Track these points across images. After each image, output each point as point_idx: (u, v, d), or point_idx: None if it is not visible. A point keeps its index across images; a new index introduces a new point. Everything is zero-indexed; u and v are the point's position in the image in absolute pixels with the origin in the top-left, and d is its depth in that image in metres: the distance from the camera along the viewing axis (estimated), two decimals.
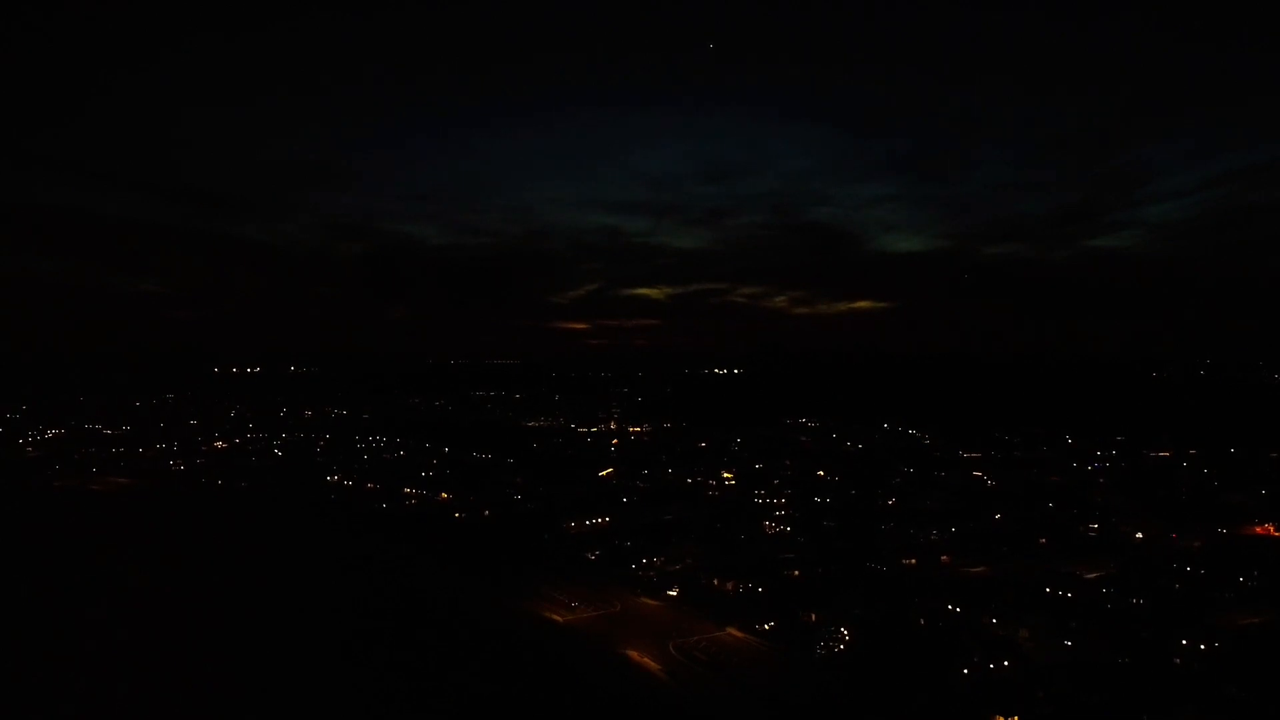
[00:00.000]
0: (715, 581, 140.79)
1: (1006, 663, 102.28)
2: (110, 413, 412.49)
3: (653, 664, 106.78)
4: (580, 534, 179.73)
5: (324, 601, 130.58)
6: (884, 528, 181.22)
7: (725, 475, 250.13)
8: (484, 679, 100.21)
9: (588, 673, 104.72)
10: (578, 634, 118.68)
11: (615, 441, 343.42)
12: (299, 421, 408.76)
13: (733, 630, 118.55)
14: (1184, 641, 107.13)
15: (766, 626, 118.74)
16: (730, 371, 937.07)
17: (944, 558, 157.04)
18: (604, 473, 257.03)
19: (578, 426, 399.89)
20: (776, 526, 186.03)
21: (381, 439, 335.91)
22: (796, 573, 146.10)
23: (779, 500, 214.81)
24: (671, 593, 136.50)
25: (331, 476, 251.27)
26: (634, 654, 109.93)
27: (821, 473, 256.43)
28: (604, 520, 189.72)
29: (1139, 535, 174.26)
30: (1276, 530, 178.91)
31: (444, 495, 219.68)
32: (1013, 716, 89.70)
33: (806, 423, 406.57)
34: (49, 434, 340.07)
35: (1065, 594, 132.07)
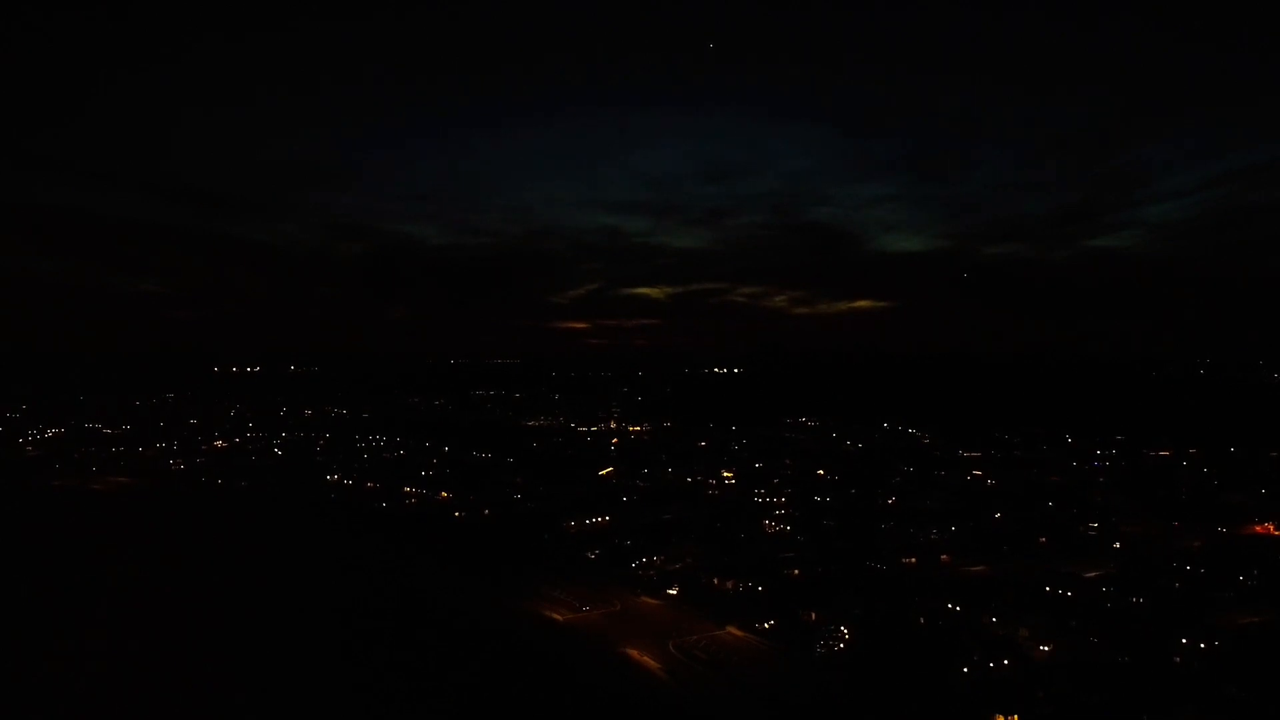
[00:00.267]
0: (715, 581, 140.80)
1: (1006, 663, 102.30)
2: (110, 413, 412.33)
3: (653, 663, 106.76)
4: (580, 533, 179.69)
5: (324, 601, 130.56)
6: (884, 527, 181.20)
7: (725, 475, 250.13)
8: (484, 679, 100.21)
9: (588, 672, 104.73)
10: (578, 633, 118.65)
11: (615, 441, 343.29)
12: (299, 421, 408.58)
13: (733, 629, 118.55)
14: (1184, 641, 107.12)
15: (766, 626, 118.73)
16: (730, 371, 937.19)
17: (944, 557, 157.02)
18: (604, 472, 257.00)
19: (578, 426, 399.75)
20: (776, 526, 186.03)
21: (381, 439, 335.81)
22: (796, 572, 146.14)
23: (779, 500, 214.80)
24: (671, 592, 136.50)
25: (331, 476, 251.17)
26: (634, 653, 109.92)
27: (821, 472, 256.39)
28: (604, 520, 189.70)
29: (1138, 535, 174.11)
30: (1276, 530, 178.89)
31: (444, 495, 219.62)
32: (1013, 716, 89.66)
33: (806, 423, 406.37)
34: (49, 434, 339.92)
35: (1065, 594, 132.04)
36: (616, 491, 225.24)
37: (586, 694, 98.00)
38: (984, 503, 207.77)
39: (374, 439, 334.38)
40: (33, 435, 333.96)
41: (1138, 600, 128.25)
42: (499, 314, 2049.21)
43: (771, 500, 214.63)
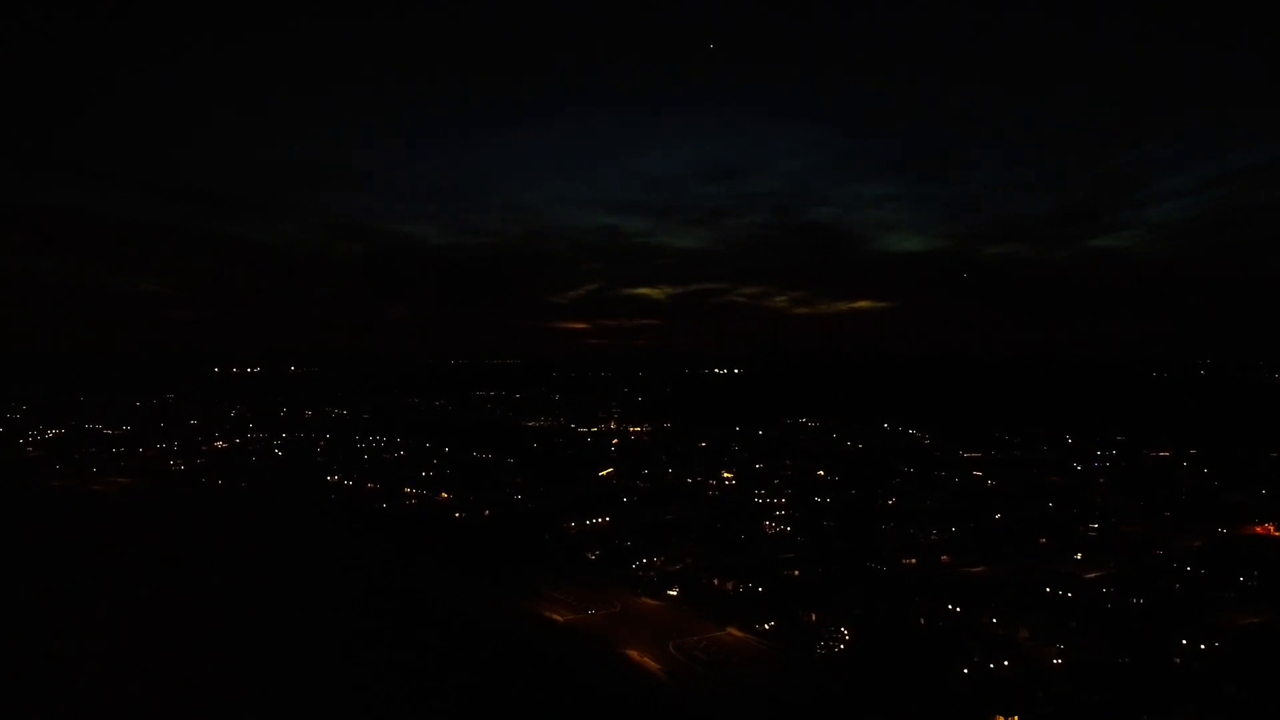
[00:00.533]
0: (715, 581, 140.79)
1: (1006, 663, 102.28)
2: (110, 413, 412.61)
3: (653, 664, 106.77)
4: (580, 534, 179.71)
5: (324, 601, 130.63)
6: (884, 528, 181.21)
7: (725, 475, 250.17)
8: (484, 679, 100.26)
9: (588, 673, 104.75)
10: (578, 634, 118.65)
11: (615, 441, 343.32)
12: (299, 421, 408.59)
13: (733, 630, 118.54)
14: (1184, 641, 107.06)
15: (766, 626, 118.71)
16: (730, 371, 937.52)
17: (944, 558, 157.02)
18: (604, 473, 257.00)
19: (578, 426, 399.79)
20: (776, 526, 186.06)
21: (381, 439, 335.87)
22: (796, 573, 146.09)
23: (779, 500, 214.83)
24: (671, 592, 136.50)
25: (331, 476, 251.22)
26: (634, 654, 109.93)
27: (821, 473, 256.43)
28: (604, 520, 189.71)
29: (1138, 535, 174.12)
30: (1276, 530, 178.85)
31: (444, 495, 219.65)
32: (1013, 716, 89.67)
33: (806, 423, 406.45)
34: (49, 434, 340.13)
35: (1065, 594, 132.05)
36: (617, 492, 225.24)
37: (586, 694, 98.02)
38: (984, 503, 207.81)
39: (374, 439, 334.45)
40: (33, 436, 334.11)
41: (1138, 600, 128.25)
42: (499, 314, 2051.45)
43: (772, 501, 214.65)
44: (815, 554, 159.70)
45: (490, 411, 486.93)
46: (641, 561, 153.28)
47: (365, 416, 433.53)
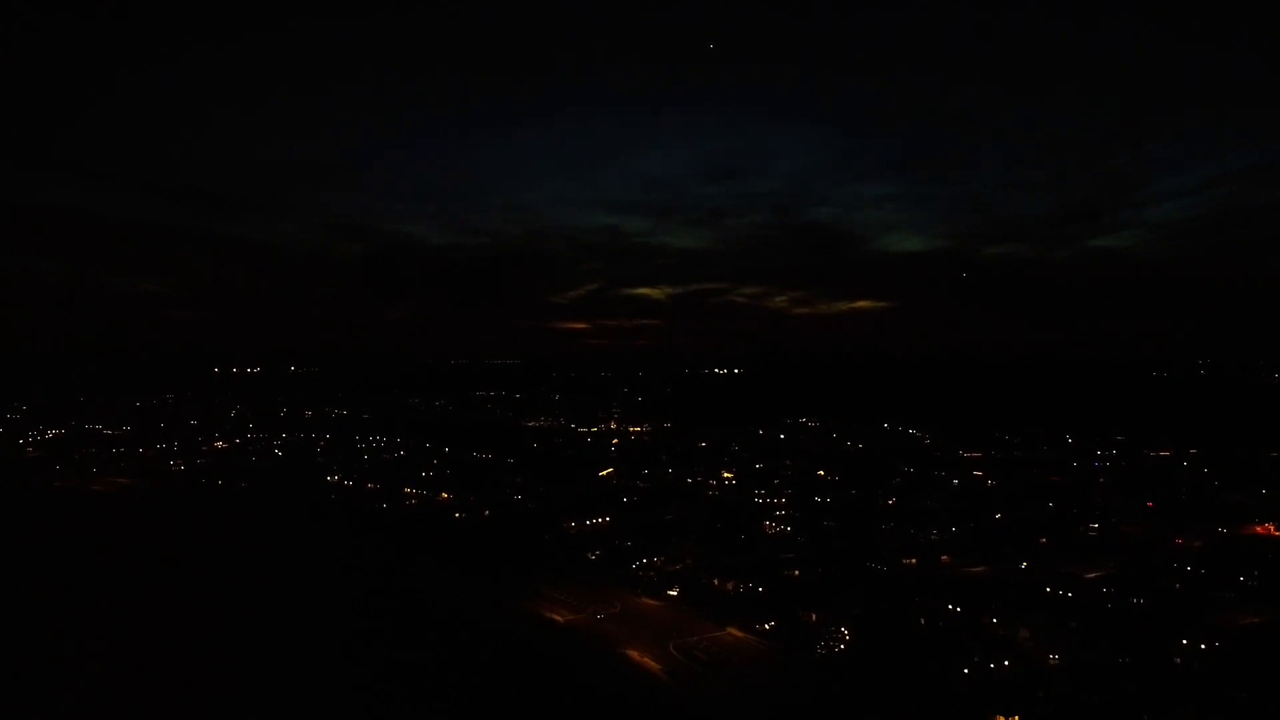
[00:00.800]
0: (715, 581, 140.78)
1: (1007, 663, 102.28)
2: (110, 413, 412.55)
3: (653, 664, 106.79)
4: (580, 534, 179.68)
5: (324, 601, 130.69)
6: (884, 528, 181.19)
7: (725, 475, 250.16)
8: (484, 679, 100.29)
9: (588, 673, 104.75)
10: (578, 634, 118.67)
11: (615, 441, 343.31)
12: (299, 421, 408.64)
13: (733, 630, 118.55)
14: (1184, 641, 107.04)
15: (767, 626, 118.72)
16: (730, 371, 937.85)
17: (944, 558, 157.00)
18: (604, 473, 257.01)
19: (578, 426, 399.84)
20: (776, 526, 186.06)
21: (381, 439, 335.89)
22: (796, 573, 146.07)
23: (779, 500, 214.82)
24: (672, 593, 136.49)
25: (331, 476, 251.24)
26: (634, 654, 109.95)
27: (821, 473, 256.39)
28: (604, 520, 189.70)
29: (1138, 535, 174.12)
30: (1276, 530, 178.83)
31: (444, 495, 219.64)
32: (1013, 716, 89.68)
33: (806, 423, 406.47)
34: (49, 434, 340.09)
35: (1065, 594, 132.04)
36: (617, 492, 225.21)
37: (586, 694, 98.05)
38: (984, 503, 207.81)
39: (374, 440, 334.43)
40: (33, 436, 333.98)
41: (1138, 600, 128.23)
42: (499, 314, 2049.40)
43: (772, 501, 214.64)
44: (815, 554, 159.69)
45: (490, 411, 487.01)
46: (641, 561, 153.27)
47: (365, 416, 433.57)
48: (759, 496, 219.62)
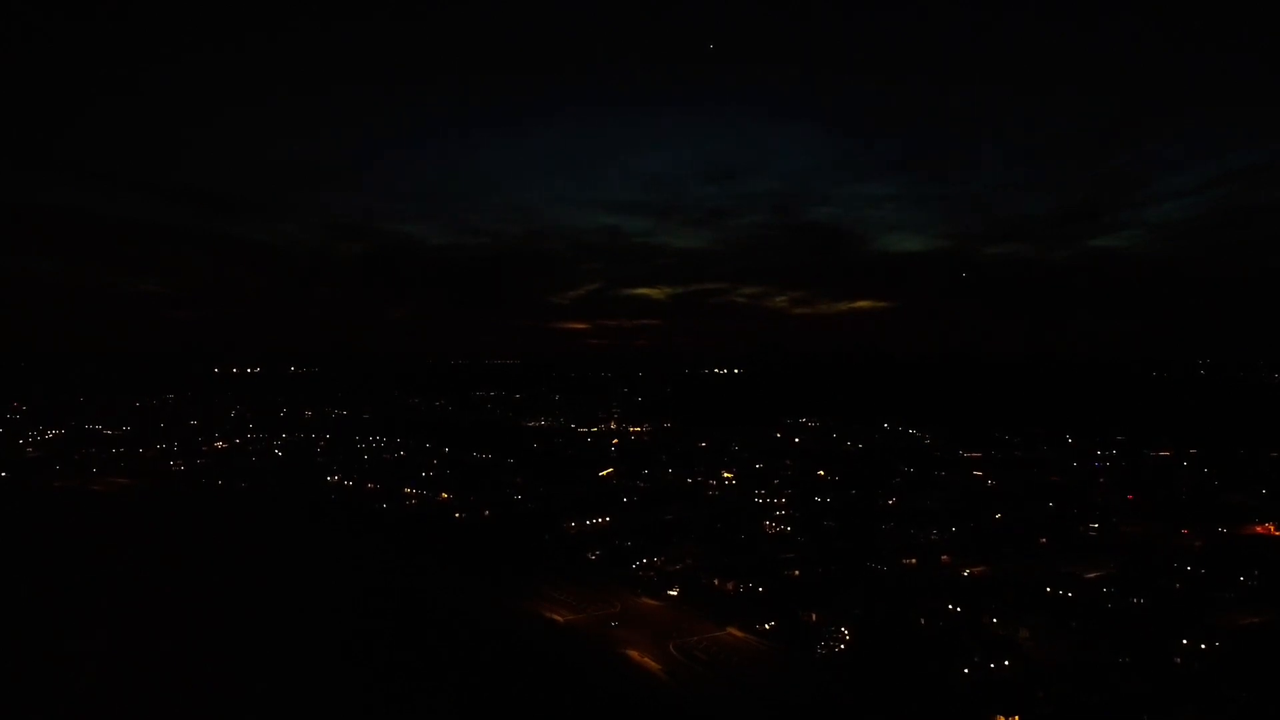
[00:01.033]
0: (715, 581, 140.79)
1: (1006, 663, 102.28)
2: (110, 413, 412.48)
3: (653, 664, 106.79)
4: (580, 534, 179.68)
5: (324, 601, 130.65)
6: (884, 528, 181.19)
7: (725, 475, 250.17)
8: (484, 679, 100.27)
9: (588, 673, 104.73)
10: (578, 634, 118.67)
11: (615, 441, 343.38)
12: (299, 421, 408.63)
13: (733, 630, 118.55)
14: (1184, 641, 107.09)
15: (767, 626, 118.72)
16: (730, 371, 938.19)
17: (944, 558, 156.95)
18: (604, 473, 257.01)
19: (578, 426, 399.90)
20: (776, 526, 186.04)
21: (381, 439, 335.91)
22: (796, 573, 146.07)
23: (779, 500, 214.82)
24: (672, 593, 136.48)
25: (331, 476, 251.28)
26: (634, 654, 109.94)
27: (821, 473, 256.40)
28: (604, 520, 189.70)
29: (1138, 535, 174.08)
30: (1276, 530, 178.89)
31: (444, 495, 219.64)
32: (1013, 716, 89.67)
33: (806, 423, 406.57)
34: (49, 434, 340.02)
35: (1065, 594, 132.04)
36: (617, 492, 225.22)
37: (587, 694, 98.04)
38: (984, 503, 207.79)
39: (374, 440, 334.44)
40: (33, 436, 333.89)
41: (1138, 600, 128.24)
42: (499, 314, 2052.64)
43: (772, 501, 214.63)
44: (815, 554, 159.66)
45: (490, 411, 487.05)
46: (641, 561, 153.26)
47: (365, 416, 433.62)
48: (759, 496, 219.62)
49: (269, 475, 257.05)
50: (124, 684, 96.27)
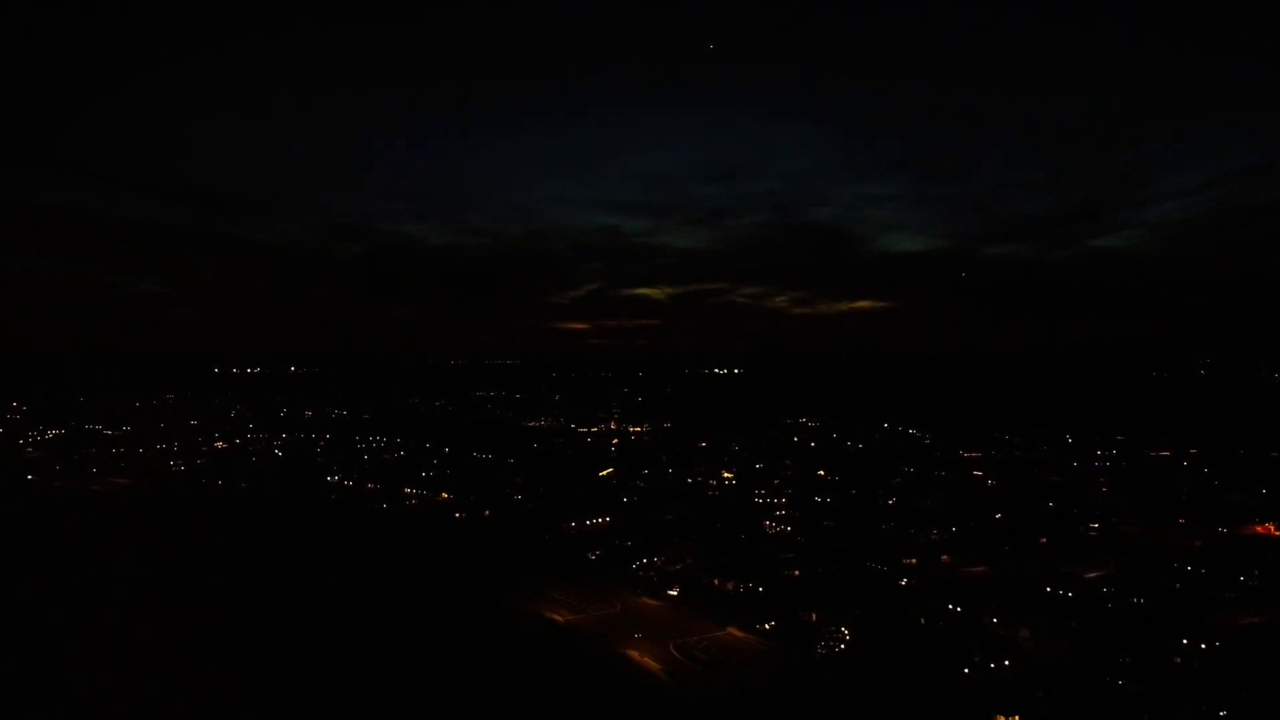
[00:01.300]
0: (715, 581, 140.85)
1: (1006, 662, 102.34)
2: (110, 413, 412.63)
3: (653, 664, 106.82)
4: (580, 534, 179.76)
5: (324, 602, 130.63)
6: (884, 528, 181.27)
7: (725, 475, 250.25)
8: (484, 679, 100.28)
9: (588, 673, 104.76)
10: (578, 634, 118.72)
11: (615, 441, 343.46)
12: (299, 422, 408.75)
13: (733, 630, 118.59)
14: (1184, 641, 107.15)
15: (767, 626, 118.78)
16: (730, 371, 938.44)
17: (944, 558, 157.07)
18: (604, 473, 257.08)
19: (578, 426, 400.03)
20: (776, 526, 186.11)
21: (381, 439, 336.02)
22: (796, 573, 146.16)
23: (779, 500, 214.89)
24: (672, 593, 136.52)
25: (332, 477, 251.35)
26: (634, 654, 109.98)
27: (821, 473, 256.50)
28: (604, 520, 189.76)
29: (1138, 535, 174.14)
30: (1276, 530, 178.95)
31: (444, 495, 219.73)
32: (1013, 716, 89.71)
33: (806, 423, 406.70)
34: (49, 434, 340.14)
35: (1065, 594, 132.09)
36: (617, 492, 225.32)
37: (587, 694, 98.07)
38: (984, 503, 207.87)
39: (374, 440, 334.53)
40: (33, 436, 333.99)
41: (1138, 600, 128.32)
42: (499, 314, 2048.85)
43: (772, 501, 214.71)
44: (815, 554, 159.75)
45: (490, 411, 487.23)
46: (641, 561, 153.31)
47: (365, 416, 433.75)
48: (759, 496, 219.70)
49: (269, 475, 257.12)
50: (124, 684, 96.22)
